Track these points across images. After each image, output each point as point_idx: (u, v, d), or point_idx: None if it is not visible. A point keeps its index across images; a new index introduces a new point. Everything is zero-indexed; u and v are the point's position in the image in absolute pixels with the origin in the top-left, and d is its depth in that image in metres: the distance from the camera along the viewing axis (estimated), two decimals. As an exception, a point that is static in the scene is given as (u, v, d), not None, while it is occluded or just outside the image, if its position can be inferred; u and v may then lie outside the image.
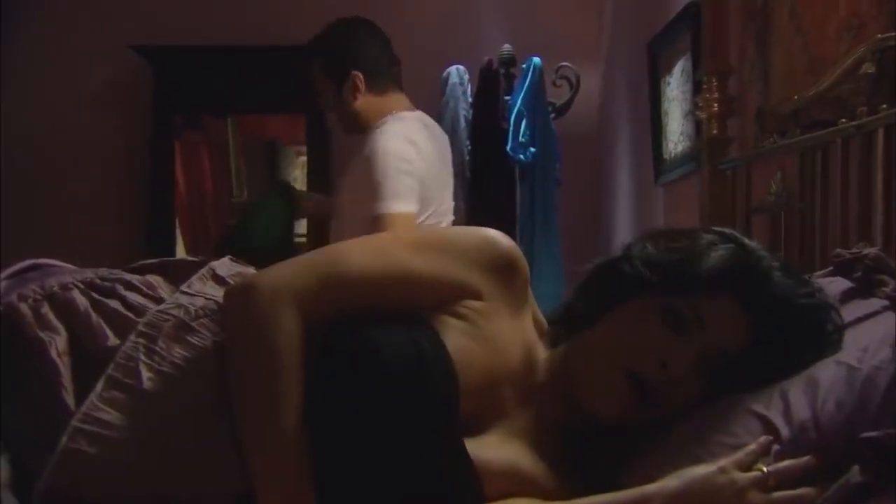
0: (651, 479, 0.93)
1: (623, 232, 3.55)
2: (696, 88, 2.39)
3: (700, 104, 2.20)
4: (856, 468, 0.86)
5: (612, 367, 0.99)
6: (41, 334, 1.00)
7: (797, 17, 1.99)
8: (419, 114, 2.42)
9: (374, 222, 2.15)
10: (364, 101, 2.32)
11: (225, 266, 1.14)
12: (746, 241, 1.05)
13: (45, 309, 1.02)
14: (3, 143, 3.77)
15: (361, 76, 2.31)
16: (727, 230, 1.07)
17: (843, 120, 1.59)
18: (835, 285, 1.14)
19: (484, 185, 3.45)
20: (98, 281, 1.07)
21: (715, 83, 2.15)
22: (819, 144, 1.70)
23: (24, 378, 0.99)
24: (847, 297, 1.11)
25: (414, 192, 2.21)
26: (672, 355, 0.97)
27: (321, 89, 2.41)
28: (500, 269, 1.04)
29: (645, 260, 1.03)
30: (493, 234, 1.06)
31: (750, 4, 2.25)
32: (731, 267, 1.00)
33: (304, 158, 3.83)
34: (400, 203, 2.18)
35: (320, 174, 3.32)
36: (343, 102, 2.34)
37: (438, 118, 3.54)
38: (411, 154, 2.24)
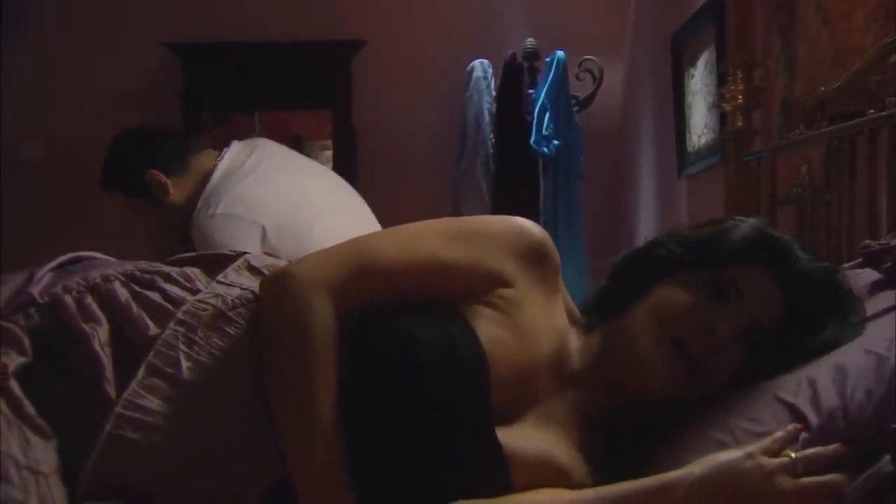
0: (675, 467, 0.93)
1: (646, 225, 3.55)
2: (721, 81, 2.38)
3: (725, 96, 2.19)
4: (887, 458, 0.86)
5: (657, 338, 1.00)
6: (85, 326, 1.02)
7: (823, 9, 1.98)
8: (233, 146, 2.26)
9: None
10: (176, 189, 2.21)
11: (259, 258, 1.16)
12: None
13: (89, 300, 1.04)
14: (34, 139, 3.83)
15: (157, 171, 2.21)
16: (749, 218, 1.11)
17: (871, 111, 1.58)
18: (863, 276, 1.14)
19: (507, 179, 3.45)
20: (138, 273, 1.09)
21: (740, 75, 2.15)
22: (846, 135, 1.70)
23: (68, 369, 1.01)
24: (876, 287, 1.11)
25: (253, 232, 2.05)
26: (716, 322, 0.99)
27: (143, 214, 2.31)
28: (531, 257, 1.05)
29: (677, 241, 1.07)
30: (524, 222, 1.07)
31: (775, -4, 2.24)
32: (758, 237, 1.04)
33: (329, 153, 3.85)
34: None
35: (345, 168, 3.34)
36: (165, 205, 2.23)
37: (462, 112, 3.57)
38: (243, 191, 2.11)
